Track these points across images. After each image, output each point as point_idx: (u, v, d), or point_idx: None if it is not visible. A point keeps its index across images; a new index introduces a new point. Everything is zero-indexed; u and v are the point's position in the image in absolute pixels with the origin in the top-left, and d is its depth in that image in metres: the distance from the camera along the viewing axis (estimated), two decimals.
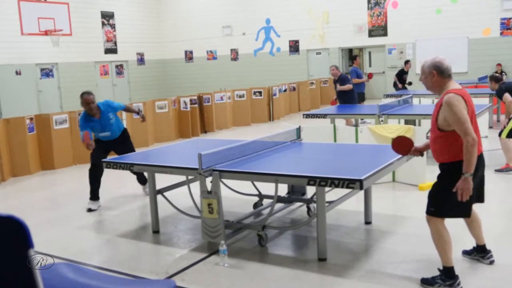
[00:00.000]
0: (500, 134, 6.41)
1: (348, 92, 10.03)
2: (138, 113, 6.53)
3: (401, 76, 13.17)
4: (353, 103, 10.07)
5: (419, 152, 3.60)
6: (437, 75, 3.28)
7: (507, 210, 5.09)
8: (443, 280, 3.31)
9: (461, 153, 3.15)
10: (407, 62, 13.44)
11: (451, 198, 3.20)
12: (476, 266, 3.66)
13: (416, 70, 15.82)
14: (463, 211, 3.33)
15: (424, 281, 3.40)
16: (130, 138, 6.25)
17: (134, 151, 5.96)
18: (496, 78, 7.25)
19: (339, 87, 10.00)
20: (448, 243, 3.31)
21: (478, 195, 3.45)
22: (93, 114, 5.83)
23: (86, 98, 5.79)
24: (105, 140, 5.98)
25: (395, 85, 13.27)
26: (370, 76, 11.93)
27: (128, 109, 6.61)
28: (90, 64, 17.79)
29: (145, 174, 5.83)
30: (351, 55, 19.06)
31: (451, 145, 3.22)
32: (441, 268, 3.38)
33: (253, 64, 19.59)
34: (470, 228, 3.65)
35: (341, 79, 10.08)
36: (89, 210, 5.73)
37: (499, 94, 6.96)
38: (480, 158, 3.30)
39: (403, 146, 3.61)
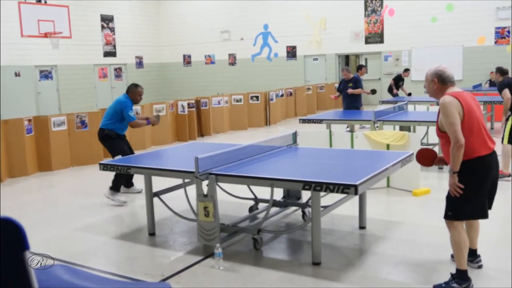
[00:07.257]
0: (502, 141, 6.32)
1: (355, 96, 10.14)
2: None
3: (398, 82, 13.28)
4: (358, 107, 10.17)
5: (444, 161, 3.56)
6: (438, 83, 3.42)
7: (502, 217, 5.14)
8: (459, 283, 3.33)
9: (467, 152, 3.23)
10: (406, 70, 13.55)
11: (464, 198, 3.28)
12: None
13: (411, 77, 15.95)
14: (478, 211, 3.36)
15: (437, 287, 3.38)
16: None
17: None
18: (502, 71, 7.17)
19: (351, 90, 10.07)
20: (467, 246, 3.37)
21: (489, 199, 3.45)
22: (136, 103, 6.38)
23: (141, 91, 6.33)
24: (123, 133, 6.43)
25: (390, 90, 13.34)
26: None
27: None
28: (89, 67, 17.81)
29: (132, 175, 6.08)
30: (347, 61, 19.14)
31: None
32: (453, 272, 3.40)
33: (251, 69, 19.66)
34: (468, 231, 3.64)
35: (354, 81, 10.19)
36: (124, 202, 6.06)
37: (500, 89, 6.87)
38: (493, 157, 3.35)
39: (427, 158, 3.62)
